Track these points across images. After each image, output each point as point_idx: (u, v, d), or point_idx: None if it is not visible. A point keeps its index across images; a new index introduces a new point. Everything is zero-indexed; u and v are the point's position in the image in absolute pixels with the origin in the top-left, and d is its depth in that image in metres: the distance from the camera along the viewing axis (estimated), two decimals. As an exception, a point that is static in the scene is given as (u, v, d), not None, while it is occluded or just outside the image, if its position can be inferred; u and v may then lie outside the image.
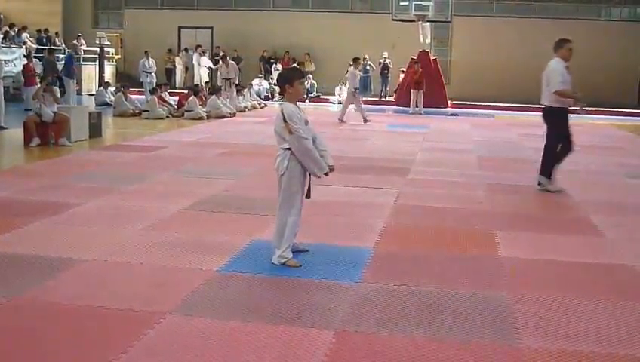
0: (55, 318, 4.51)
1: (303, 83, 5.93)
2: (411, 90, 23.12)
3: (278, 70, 29.80)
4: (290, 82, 5.75)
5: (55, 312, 4.61)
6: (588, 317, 4.80)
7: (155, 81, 24.87)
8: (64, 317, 4.54)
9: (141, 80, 25.69)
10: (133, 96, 20.91)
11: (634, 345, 4.36)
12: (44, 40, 27.76)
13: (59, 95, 13.53)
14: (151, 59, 26.01)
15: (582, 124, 22.38)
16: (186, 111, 19.15)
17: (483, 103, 27.32)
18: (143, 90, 24.28)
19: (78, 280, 5.29)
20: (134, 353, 4.01)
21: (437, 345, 4.27)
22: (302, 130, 5.64)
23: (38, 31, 28.28)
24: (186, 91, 21.19)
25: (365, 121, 19.19)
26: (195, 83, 25.47)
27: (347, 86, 20.52)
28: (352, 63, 20.42)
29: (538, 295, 5.22)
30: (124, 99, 19.72)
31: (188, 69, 30.46)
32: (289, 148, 5.72)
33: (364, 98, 28.27)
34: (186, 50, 30.71)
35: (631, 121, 23.78)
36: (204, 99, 20.36)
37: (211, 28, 32.04)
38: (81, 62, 27.33)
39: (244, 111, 21.87)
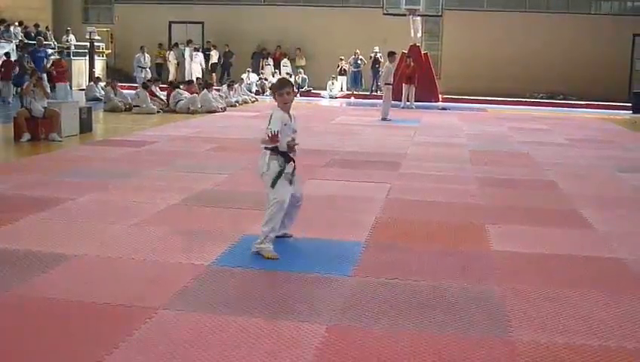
0: (46, 314, 4.50)
1: (282, 94, 6.02)
2: (403, 85, 23.10)
3: (269, 65, 29.77)
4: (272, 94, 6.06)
5: (46, 308, 4.60)
6: (579, 310, 4.82)
7: (149, 76, 24.85)
8: (55, 312, 4.53)
9: (135, 74, 25.62)
10: (125, 91, 20.89)
11: (625, 338, 4.38)
12: (33, 35, 27.60)
13: (49, 90, 13.46)
14: (146, 55, 25.95)
15: (572, 117, 22.51)
16: (176, 102, 19.20)
17: (474, 97, 27.37)
18: (136, 85, 24.26)
19: (69, 275, 5.28)
20: (126, 348, 4.01)
21: (429, 338, 4.28)
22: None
23: (25, 26, 28.09)
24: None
25: (385, 118, 18.91)
26: (189, 79, 25.40)
27: (381, 81, 20.09)
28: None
29: (529, 288, 5.24)
30: (113, 94, 19.68)
31: (179, 64, 30.34)
32: (268, 148, 5.92)
33: (355, 93, 28.39)
34: (177, 45, 30.61)
35: (621, 115, 23.84)
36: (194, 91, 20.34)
37: (202, 23, 31.96)
38: (71, 56, 27.25)
39: (235, 106, 21.84)
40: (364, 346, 4.14)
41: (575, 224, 7.51)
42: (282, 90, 6.00)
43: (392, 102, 20.03)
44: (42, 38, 26.12)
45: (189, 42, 30.07)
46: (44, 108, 12.79)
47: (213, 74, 29.76)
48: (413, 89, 23.44)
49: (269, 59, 30.02)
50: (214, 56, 30.33)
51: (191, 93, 19.77)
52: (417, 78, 23.71)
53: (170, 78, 29.14)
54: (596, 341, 4.31)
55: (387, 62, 20.25)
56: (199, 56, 29.81)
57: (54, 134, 12.66)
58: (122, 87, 20.76)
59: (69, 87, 22.17)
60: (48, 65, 23.66)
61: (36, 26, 28.40)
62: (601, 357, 4.10)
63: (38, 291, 4.90)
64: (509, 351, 4.14)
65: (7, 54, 22.78)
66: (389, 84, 19.37)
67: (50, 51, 27.04)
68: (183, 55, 29.92)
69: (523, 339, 4.30)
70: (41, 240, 6.13)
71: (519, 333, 4.39)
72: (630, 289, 5.35)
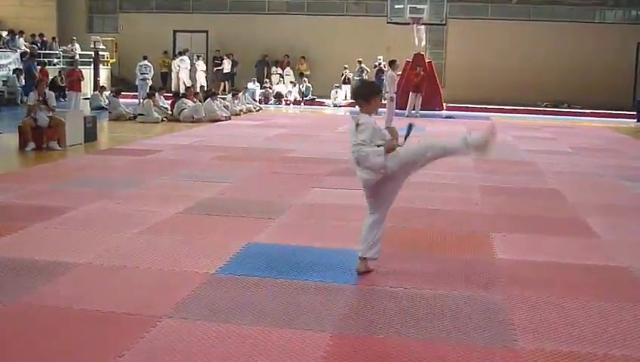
0: (51, 323, 4.51)
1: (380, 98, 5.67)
2: (410, 93, 23.11)
3: (278, 73, 29.79)
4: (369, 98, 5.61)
5: (51, 317, 4.61)
6: (584, 319, 4.81)
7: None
8: (60, 321, 4.54)
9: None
10: (128, 100, 21.03)
11: (630, 346, 4.37)
12: (39, 45, 27.72)
13: (54, 103, 13.48)
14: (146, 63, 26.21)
15: (576, 126, 22.50)
16: (180, 111, 19.26)
17: (478, 106, 27.36)
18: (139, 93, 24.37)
19: (74, 284, 5.29)
20: (130, 357, 4.01)
21: (433, 346, 4.28)
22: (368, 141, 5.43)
23: (32, 34, 28.25)
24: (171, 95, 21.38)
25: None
26: (188, 86, 25.38)
27: (385, 91, 20.04)
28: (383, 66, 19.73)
29: (534, 296, 5.23)
30: (120, 103, 19.78)
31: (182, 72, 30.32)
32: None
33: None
34: (180, 53, 30.63)
35: (625, 123, 23.81)
36: (195, 100, 20.38)
37: (206, 32, 32.03)
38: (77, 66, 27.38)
39: (240, 114, 21.88)
40: (368, 354, 4.13)
41: (579, 232, 7.50)
42: (379, 95, 5.71)
43: (397, 110, 20.04)
44: (35, 47, 26.28)
45: (184, 51, 29.96)
46: (50, 117, 12.82)
47: (223, 83, 29.74)
48: (420, 98, 23.44)
49: (279, 67, 30.01)
50: (227, 65, 30.28)
51: (192, 101, 19.83)
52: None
53: (173, 87, 29.20)
54: (601, 349, 4.30)
55: (390, 71, 20.29)
56: (202, 65, 29.87)
57: (54, 143, 12.68)
58: (127, 96, 20.83)
59: (79, 97, 22.26)
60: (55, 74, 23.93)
61: (41, 35, 28.50)
62: (606, 366, 4.10)
63: (43, 300, 4.90)
64: (514, 360, 4.13)
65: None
66: (390, 96, 19.41)
67: (56, 60, 27.18)
68: (179, 63, 29.83)
69: (527, 348, 4.29)
70: (46, 249, 6.14)
71: (524, 342, 4.38)
72: (635, 297, 5.34)
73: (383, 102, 22.28)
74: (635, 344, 4.41)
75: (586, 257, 6.47)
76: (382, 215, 5.78)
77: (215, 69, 30.38)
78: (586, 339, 4.45)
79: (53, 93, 13.76)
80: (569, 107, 28.35)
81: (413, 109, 23.22)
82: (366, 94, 5.67)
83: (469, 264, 6.07)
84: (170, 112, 19.78)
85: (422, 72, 23.52)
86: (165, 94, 22.28)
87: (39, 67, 24.50)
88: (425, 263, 6.08)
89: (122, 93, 21.14)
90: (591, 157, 14.04)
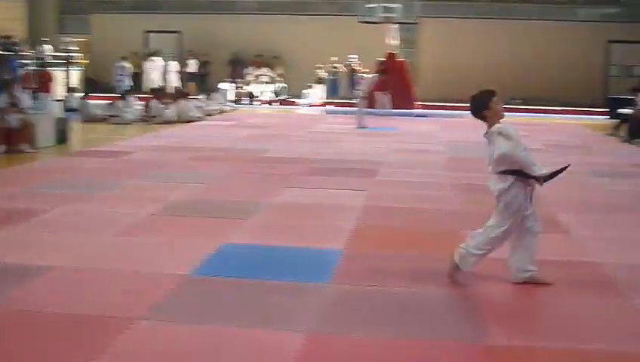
0: (25, 326, 4.48)
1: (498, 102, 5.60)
2: (376, 93, 23.18)
3: (250, 73, 29.69)
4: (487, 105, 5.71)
5: (25, 320, 4.57)
6: (556, 314, 4.87)
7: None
8: (34, 325, 4.50)
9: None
10: (99, 102, 20.93)
11: (600, 340, 4.43)
12: (9, 45, 27.40)
13: (25, 104, 13.36)
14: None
15: (549, 123, 22.69)
16: (152, 117, 19.14)
17: (452, 104, 27.47)
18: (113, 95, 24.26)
19: (48, 287, 5.26)
20: (105, 360, 3.99)
21: (407, 344, 4.31)
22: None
23: (5, 36, 27.92)
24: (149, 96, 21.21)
25: (361, 126, 18.91)
26: (161, 86, 25.22)
27: (360, 90, 20.18)
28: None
29: (507, 293, 5.29)
30: (90, 105, 19.64)
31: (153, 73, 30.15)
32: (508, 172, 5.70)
33: (332, 101, 28.45)
34: (151, 55, 30.45)
35: (597, 121, 24.03)
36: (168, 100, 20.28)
37: (179, 32, 31.89)
38: (47, 67, 27.12)
39: (213, 115, 21.81)
40: (342, 354, 4.15)
41: (551, 229, 7.53)
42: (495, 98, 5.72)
43: (369, 109, 20.12)
44: (16, 48, 26.02)
45: (155, 52, 29.82)
46: (20, 119, 12.71)
47: (190, 83, 29.66)
48: (387, 97, 23.51)
49: (250, 67, 29.92)
50: (192, 66, 30.24)
51: (160, 102, 19.74)
52: (393, 86, 23.78)
53: (145, 88, 29.04)
54: (573, 344, 4.36)
55: (373, 74, 20.42)
56: (176, 66, 29.76)
57: (25, 145, 12.57)
58: (101, 98, 20.73)
59: (49, 99, 22.10)
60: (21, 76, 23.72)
61: (8, 37, 28.12)
62: (578, 360, 4.15)
63: (16, 304, 4.87)
64: (487, 355, 4.17)
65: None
66: (363, 95, 19.48)
67: (28, 62, 26.91)
68: (150, 65, 29.69)
69: (500, 343, 4.33)
70: (18, 253, 6.09)
71: (496, 338, 4.42)
72: (606, 292, 5.41)
73: (356, 100, 22.48)
74: (606, 338, 4.47)
75: (557, 253, 6.53)
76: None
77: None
78: (558, 334, 4.50)
79: (24, 95, 13.63)
80: (542, 104, 28.57)
81: (384, 108, 23.31)
82: (473, 111, 6.03)
83: (443, 262, 6.09)
84: (144, 113, 19.67)
85: (381, 69, 23.47)
86: (137, 95, 22.14)
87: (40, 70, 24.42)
88: (398, 261, 6.11)
89: (93, 94, 21.01)
90: (563, 155, 14.13)
